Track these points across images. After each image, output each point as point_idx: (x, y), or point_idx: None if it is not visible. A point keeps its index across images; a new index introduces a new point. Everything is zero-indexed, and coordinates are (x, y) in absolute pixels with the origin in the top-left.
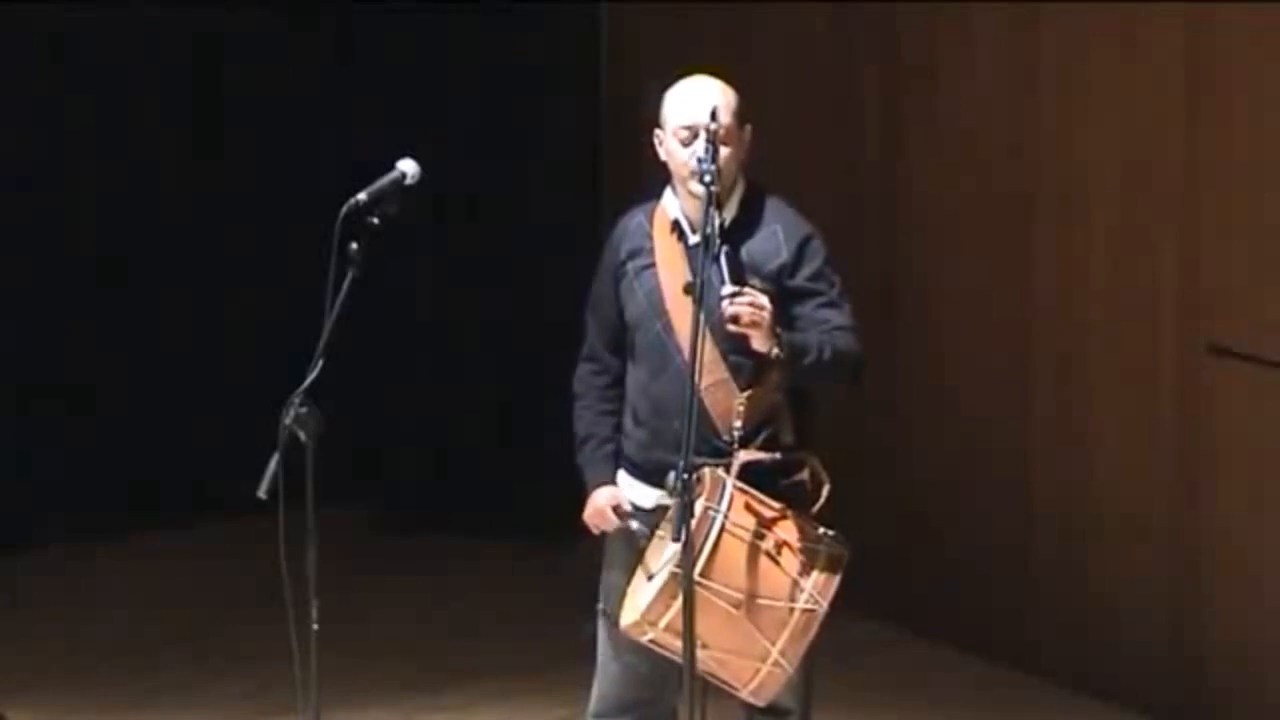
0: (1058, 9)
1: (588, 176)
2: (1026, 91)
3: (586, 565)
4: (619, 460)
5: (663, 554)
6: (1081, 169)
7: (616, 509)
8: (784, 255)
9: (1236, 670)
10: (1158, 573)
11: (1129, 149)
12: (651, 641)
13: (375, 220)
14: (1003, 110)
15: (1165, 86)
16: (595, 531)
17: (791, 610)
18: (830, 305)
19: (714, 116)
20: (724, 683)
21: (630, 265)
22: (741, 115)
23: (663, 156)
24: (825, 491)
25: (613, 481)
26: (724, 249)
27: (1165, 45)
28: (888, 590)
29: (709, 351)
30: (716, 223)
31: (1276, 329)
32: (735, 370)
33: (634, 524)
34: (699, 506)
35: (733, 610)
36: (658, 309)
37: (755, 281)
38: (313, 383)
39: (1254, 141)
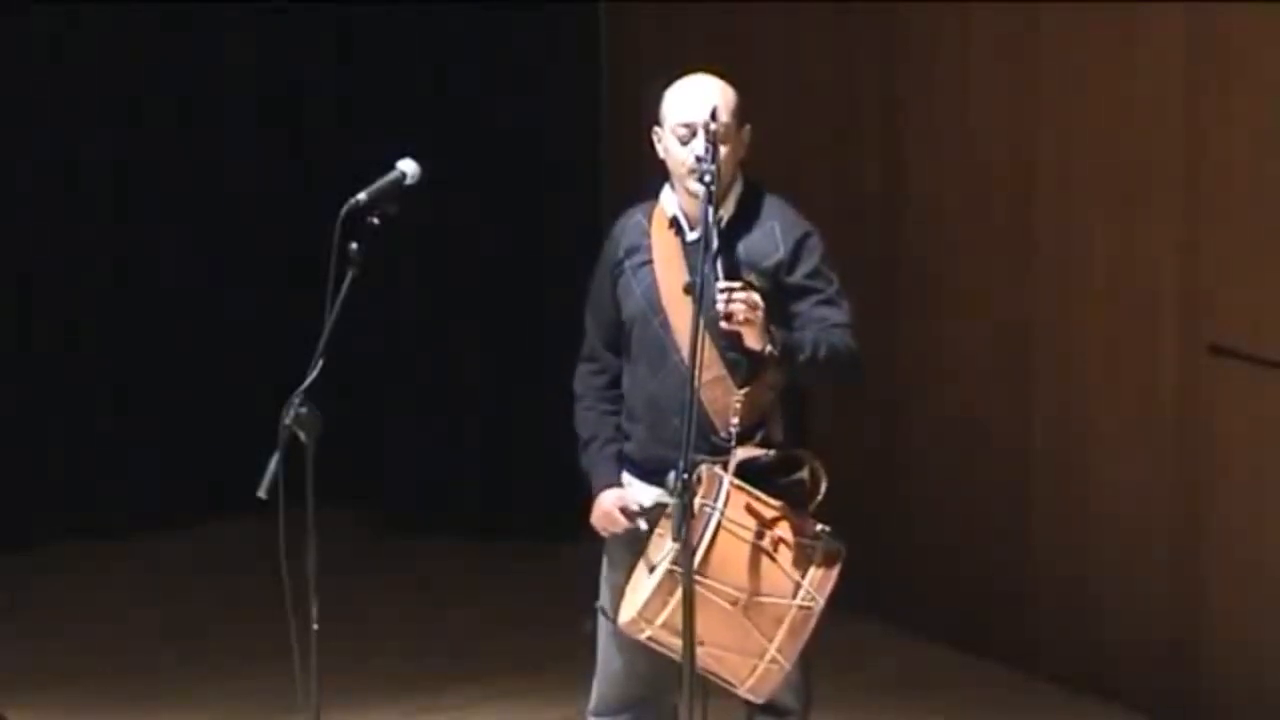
0: (1058, 9)
1: (588, 176)
2: (1026, 91)
3: (586, 565)
4: (621, 459)
5: (662, 550)
6: (1081, 169)
7: (624, 510)
8: (781, 253)
9: (1236, 670)
10: (1158, 572)
11: (1129, 148)
12: (649, 639)
13: (375, 220)
14: (1003, 110)
15: (1165, 86)
16: (604, 534)
17: (788, 607)
18: (827, 303)
19: (714, 115)
20: (722, 679)
21: (628, 263)
22: (740, 114)
23: (661, 155)
24: (823, 489)
25: (618, 483)
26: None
27: (1165, 44)
28: (888, 590)
29: (707, 348)
30: (714, 221)
31: (1276, 329)
32: (732, 367)
33: (642, 523)
34: (696, 504)
35: (729, 607)
36: (655, 306)
37: (751, 278)
38: (313, 383)
39: (1254, 140)
